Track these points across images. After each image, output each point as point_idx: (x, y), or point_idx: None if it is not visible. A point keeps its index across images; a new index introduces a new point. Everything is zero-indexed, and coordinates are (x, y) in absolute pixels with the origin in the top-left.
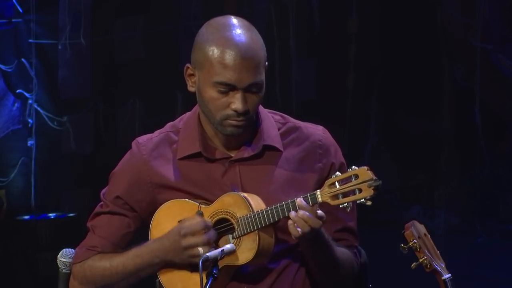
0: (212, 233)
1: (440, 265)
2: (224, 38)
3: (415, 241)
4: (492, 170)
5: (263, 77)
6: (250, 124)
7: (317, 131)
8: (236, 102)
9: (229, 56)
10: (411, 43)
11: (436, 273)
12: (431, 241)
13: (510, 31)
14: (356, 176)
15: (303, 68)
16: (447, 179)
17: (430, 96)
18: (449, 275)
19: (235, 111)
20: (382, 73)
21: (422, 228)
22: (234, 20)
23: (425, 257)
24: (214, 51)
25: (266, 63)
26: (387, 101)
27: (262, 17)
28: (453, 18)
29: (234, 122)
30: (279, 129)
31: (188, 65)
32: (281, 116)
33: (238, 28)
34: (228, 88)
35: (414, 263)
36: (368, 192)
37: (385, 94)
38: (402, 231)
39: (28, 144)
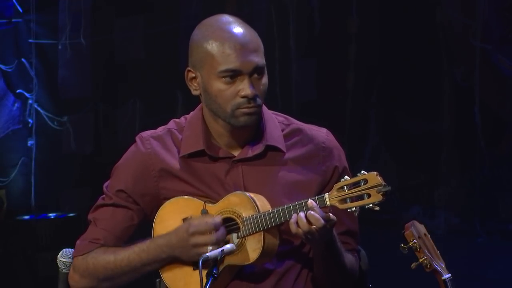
0: (221, 232)
1: (440, 265)
2: (219, 30)
3: (415, 241)
4: (492, 170)
5: (264, 61)
6: (260, 112)
7: (320, 133)
8: (245, 88)
9: (229, 45)
10: (411, 43)
11: (436, 273)
12: (431, 241)
13: (510, 31)
14: (365, 181)
15: (303, 68)
16: (447, 179)
17: (430, 96)
18: (449, 275)
19: (245, 97)
20: (382, 73)
21: (422, 228)
22: (225, 16)
23: (425, 257)
24: (213, 45)
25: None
26: (387, 101)
27: (262, 17)
28: (452, 18)
29: (246, 110)
30: (282, 130)
31: (188, 68)
32: (285, 117)
33: (230, 20)
34: (234, 74)
35: (414, 263)
36: (376, 198)
37: (385, 94)
38: (402, 231)
39: (28, 144)
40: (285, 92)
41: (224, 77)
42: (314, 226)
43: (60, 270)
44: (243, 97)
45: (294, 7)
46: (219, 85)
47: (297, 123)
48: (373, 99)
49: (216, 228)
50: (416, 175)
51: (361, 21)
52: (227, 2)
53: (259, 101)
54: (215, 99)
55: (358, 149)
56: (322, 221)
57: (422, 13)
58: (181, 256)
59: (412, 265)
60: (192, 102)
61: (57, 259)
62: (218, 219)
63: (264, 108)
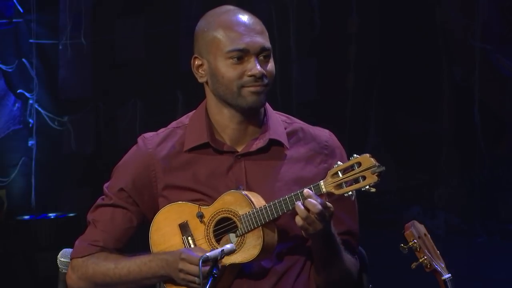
0: (207, 268)
1: (440, 265)
2: (225, 17)
3: (415, 241)
4: (491, 170)
5: (270, 46)
6: (267, 92)
7: (323, 133)
8: (252, 68)
9: (236, 28)
10: (410, 43)
11: (436, 273)
12: (431, 241)
13: (509, 31)
14: (359, 164)
15: (304, 68)
16: (447, 179)
17: (430, 96)
18: (449, 275)
19: (253, 75)
20: (382, 73)
21: (422, 228)
22: (229, 6)
23: (425, 257)
24: (219, 31)
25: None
26: (387, 101)
27: (262, 17)
28: (452, 18)
29: (252, 89)
30: (285, 128)
31: (194, 55)
32: (287, 117)
33: (234, 8)
34: (241, 54)
35: (414, 263)
36: (372, 179)
37: (385, 94)
38: (402, 231)
39: (29, 144)
40: (285, 92)
41: (232, 57)
42: (313, 214)
43: (60, 270)
44: (250, 76)
45: (294, 7)
46: (226, 66)
47: (299, 122)
48: (373, 99)
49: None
50: (416, 175)
51: (361, 21)
52: (226, 2)
53: (266, 80)
54: (222, 80)
55: (358, 149)
56: (320, 206)
57: (422, 13)
58: (173, 277)
59: (412, 265)
60: (192, 102)
61: (57, 259)
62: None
63: (267, 105)
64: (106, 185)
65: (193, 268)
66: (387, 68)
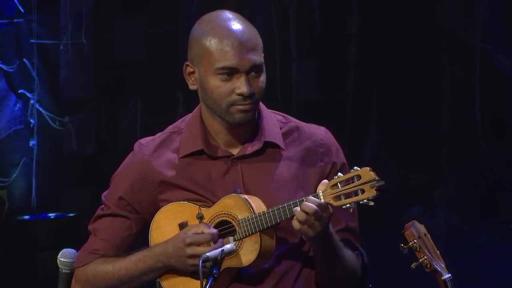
0: (218, 244)
1: (440, 265)
2: (218, 27)
3: (415, 241)
4: (492, 170)
5: (262, 59)
6: (255, 109)
7: (319, 130)
8: (241, 86)
9: (227, 42)
10: (411, 43)
11: (436, 273)
12: (431, 241)
13: (510, 31)
14: (359, 177)
15: (304, 68)
16: (447, 179)
17: (430, 96)
18: (449, 275)
19: (241, 95)
20: (382, 73)
21: (422, 228)
22: (226, 12)
23: (425, 257)
24: (211, 41)
25: (263, 54)
26: (387, 101)
27: (262, 18)
28: (453, 18)
29: (241, 107)
30: (280, 128)
31: (186, 63)
32: (283, 116)
33: (230, 17)
34: (231, 72)
35: (414, 263)
36: (370, 193)
37: (385, 94)
38: (402, 231)
39: (30, 144)
40: (285, 92)
41: (221, 74)
42: (311, 216)
43: (60, 270)
44: (238, 94)
45: (295, 7)
46: (215, 81)
47: (295, 121)
48: (373, 99)
49: (213, 238)
50: (416, 175)
51: (362, 21)
52: (227, 3)
53: (254, 98)
54: (211, 95)
55: (358, 149)
56: (315, 207)
57: (422, 13)
58: (176, 265)
59: (412, 265)
60: (193, 103)
61: (57, 259)
62: (215, 230)
63: (262, 106)
64: (104, 194)
65: (204, 249)
66: (387, 68)
